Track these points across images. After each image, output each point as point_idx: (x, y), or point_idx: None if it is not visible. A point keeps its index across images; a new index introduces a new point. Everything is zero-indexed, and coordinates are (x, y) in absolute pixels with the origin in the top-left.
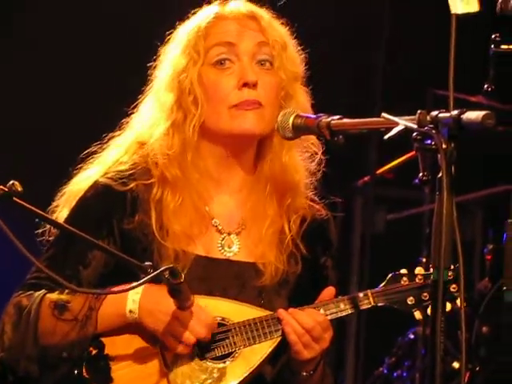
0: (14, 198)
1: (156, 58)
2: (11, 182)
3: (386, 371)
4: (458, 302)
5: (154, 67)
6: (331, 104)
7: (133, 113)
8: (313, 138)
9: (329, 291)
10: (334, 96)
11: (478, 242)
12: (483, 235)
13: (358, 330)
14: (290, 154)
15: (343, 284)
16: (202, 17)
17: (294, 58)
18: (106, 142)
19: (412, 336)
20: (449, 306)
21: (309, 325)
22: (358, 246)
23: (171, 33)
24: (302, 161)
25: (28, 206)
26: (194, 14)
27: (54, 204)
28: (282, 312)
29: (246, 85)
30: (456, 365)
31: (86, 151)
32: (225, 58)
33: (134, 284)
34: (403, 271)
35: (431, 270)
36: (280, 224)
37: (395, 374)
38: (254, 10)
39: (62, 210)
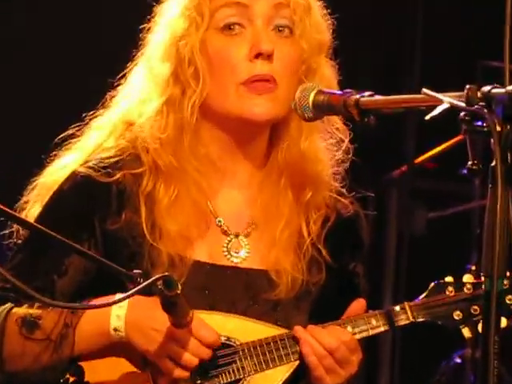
0: None
1: (150, 19)
2: None
3: None
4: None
5: (148, 30)
6: (360, 80)
7: (119, 85)
8: (338, 121)
9: (358, 304)
10: (364, 70)
11: None
12: None
13: (393, 351)
14: (311, 139)
15: (375, 296)
16: None
17: (319, 23)
18: (86, 124)
19: (458, 360)
20: (504, 322)
21: (332, 345)
22: (392, 251)
23: None
24: (325, 148)
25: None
26: None
27: (23, 199)
28: (299, 330)
29: (259, 55)
30: None
31: (62, 135)
32: (234, 22)
33: (120, 296)
34: (448, 279)
35: (482, 278)
36: (297, 225)
37: None
38: None
39: (32, 206)
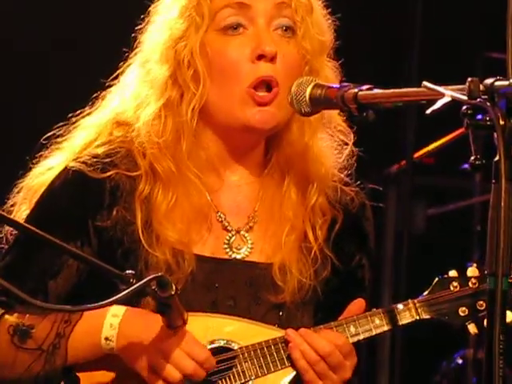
0: None
1: (144, 17)
2: None
3: None
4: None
5: (142, 29)
6: (358, 71)
7: (110, 86)
8: (340, 121)
9: (358, 303)
10: (363, 62)
11: None
12: None
13: (393, 352)
14: (314, 139)
15: (373, 294)
16: None
17: (322, 24)
18: (74, 123)
19: (460, 361)
20: (510, 316)
21: (325, 350)
22: (391, 248)
23: None
24: (328, 147)
25: None
26: None
27: (9, 202)
28: (291, 333)
29: (261, 57)
30: None
31: (47, 135)
32: (236, 23)
33: (113, 298)
34: (453, 274)
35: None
36: (302, 229)
37: None
38: None
39: (19, 208)
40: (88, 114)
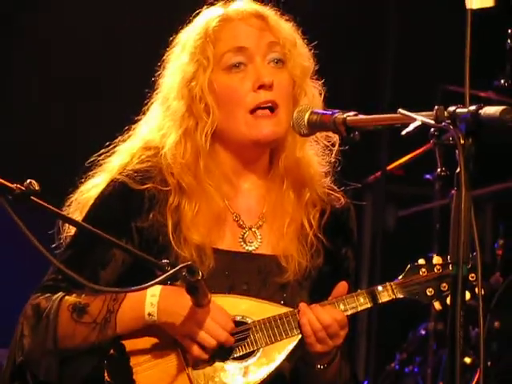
0: (32, 197)
1: (161, 63)
2: (28, 181)
3: (397, 367)
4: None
5: (160, 73)
6: (338, 101)
7: (138, 120)
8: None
9: (342, 286)
10: (340, 92)
11: (488, 236)
12: (493, 230)
13: (369, 325)
14: (304, 149)
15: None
16: (206, 20)
17: (304, 53)
18: (111, 149)
19: (423, 332)
20: (468, 295)
21: (327, 321)
22: (368, 243)
23: (174, 36)
24: (315, 153)
25: (46, 205)
26: (197, 15)
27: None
28: (302, 305)
29: (262, 87)
30: (467, 360)
31: (91, 159)
32: (239, 62)
33: (152, 282)
34: (421, 261)
35: (448, 258)
36: (300, 220)
37: (407, 370)
38: (259, 9)
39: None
40: (122, 142)
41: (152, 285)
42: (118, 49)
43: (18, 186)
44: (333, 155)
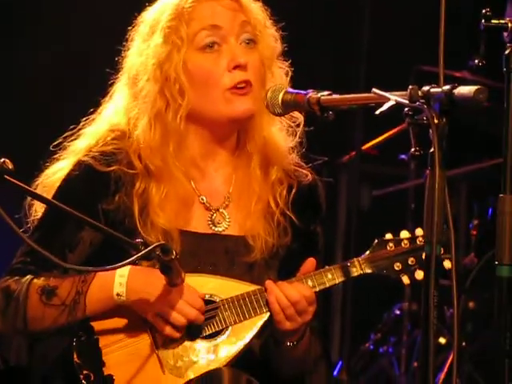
0: (5, 176)
1: (124, 42)
2: (2, 160)
3: (371, 347)
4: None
5: (124, 53)
6: (312, 81)
7: (104, 102)
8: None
9: (310, 262)
10: (315, 73)
11: (463, 217)
12: (468, 210)
13: (344, 306)
14: (270, 129)
15: (329, 260)
16: (178, 0)
17: (274, 34)
18: (76, 132)
19: (398, 312)
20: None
21: (295, 298)
22: (343, 222)
23: (137, 15)
24: (283, 133)
25: (20, 183)
26: None
27: (29, 198)
28: (269, 283)
29: (237, 67)
30: (442, 340)
31: (55, 143)
32: (212, 42)
33: (126, 261)
34: (388, 236)
35: (416, 232)
36: (266, 198)
37: (381, 350)
38: None
39: (37, 202)
40: (88, 125)
41: (126, 264)
42: (81, 28)
43: None
44: (298, 134)
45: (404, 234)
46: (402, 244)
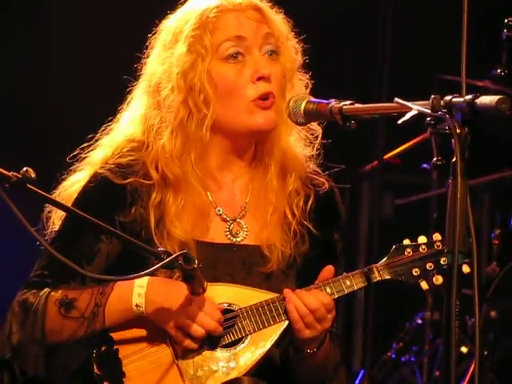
0: (28, 185)
1: (144, 50)
2: (24, 169)
3: (394, 356)
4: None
5: (144, 60)
6: (335, 90)
7: (121, 109)
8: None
9: (328, 270)
10: (339, 82)
11: (485, 226)
12: (490, 220)
13: (366, 315)
14: (287, 139)
15: (350, 270)
16: (202, 9)
17: (295, 46)
18: (93, 143)
19: (420, 321)
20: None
21: (314, 306)
22: (365, 231)
23: (158, 23)
24: (300, 144)
25: (43, 192)
26: (184, 2)
27: (47, 209)
28: (287, 292)
29: (261, 78)
30: (464, 349)
31: (72, 154)
32: (237, 52)
33: (148, 270)
34: (406, 242)
35: (433, 237)
36: (283, 208)
37: (403, 359)
38: (254, 1)
39: (54, 213)
40: (105, 134)
41: (149, 272)
42: (100, 36)
43: (15, 173)
44: (316, 146)
45: (422, 239)
46: (420, 249)
